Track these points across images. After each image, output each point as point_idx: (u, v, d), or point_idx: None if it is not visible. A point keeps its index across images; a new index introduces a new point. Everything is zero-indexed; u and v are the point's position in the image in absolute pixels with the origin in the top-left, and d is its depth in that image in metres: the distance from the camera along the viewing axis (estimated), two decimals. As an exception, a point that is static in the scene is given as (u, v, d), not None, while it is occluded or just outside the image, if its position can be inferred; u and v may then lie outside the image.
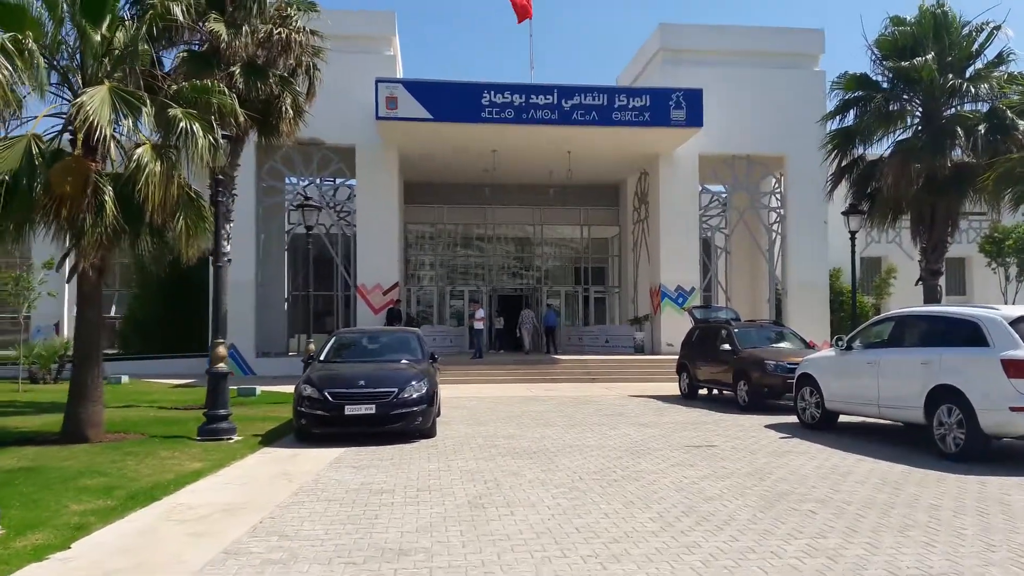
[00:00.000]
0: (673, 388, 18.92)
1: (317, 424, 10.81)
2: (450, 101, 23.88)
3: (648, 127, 24.57)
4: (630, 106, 24.26)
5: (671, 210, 27.28)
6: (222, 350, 11.44)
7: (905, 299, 32.95)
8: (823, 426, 12.39)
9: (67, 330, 31.66)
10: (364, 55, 25.77)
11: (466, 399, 17.74)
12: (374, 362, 12.20)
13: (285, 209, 29.46)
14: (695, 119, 24.67)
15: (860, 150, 20.26)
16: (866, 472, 8.89)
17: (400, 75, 27.66)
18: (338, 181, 29.84)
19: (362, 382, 10.96)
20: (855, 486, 8.07)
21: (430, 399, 11.16)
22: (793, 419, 13.25)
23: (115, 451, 10.36)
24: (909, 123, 19.75)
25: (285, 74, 16.49)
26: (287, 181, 29.63)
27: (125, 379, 22.92)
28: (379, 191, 26.46)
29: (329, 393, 10.73)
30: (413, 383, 11.09)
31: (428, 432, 11.31)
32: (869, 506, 7.15)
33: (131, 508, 7.25)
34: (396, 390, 10.86)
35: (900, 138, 19.81)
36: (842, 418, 12.61)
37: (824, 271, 28.16)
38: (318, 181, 28.84)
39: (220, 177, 11.40)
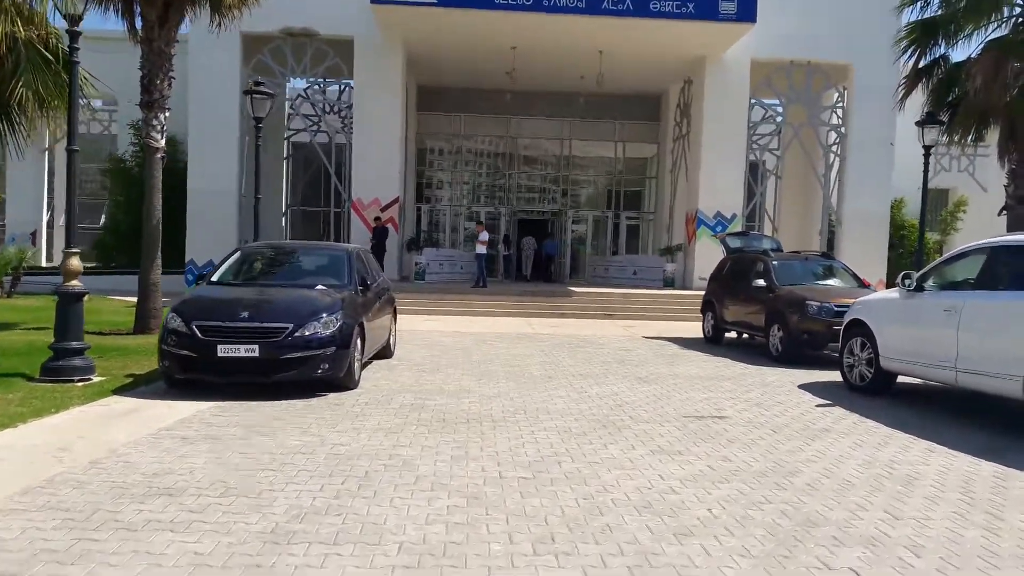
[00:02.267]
0: (699, 328, 15.92)
1: (182, 368, 8.10)
2: (457, -17, 20.51)
3: (692, 20, 20.90)
4: (671, -6, 20.64)
5: (716, 124, 23.75)
6: (75, 263, 8.71)
7: (975, 236, 29.13)
8: (875, 390, 9.36)
9: (45, 239, 29.75)
10: (365, -71, 22.36)
11: (447, 335, 15.01)
12: (279, 287, 9.36)
13: (283, 113, 26.56)
14: (747, 13, 20.95)
15: (942, 48, 16.53)
16: (939, 474, 5.94)
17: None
18: (343, 82, 26.68)
19: (245, 314, 8.15)
20: (926, 506, 5.13)
21: (345, 340, 8.36)
22: (836, 377, 10.25)
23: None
24: (1007, 15, 15.93)
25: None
26: (290, 82, 26.72)
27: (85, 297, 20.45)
28: (379, 90, 23.38)
29: (198, 327, 7.95)
30: (323, 316, 8.28)
31: (343, 382, 8.54)
32: (954, 558, 4.22)
33: None
34: (291, 326, 8.06)
35: (993, 36, 16.02)
36: (901, 378, 9.55)
37: (886, 200, 24.55)
38: (319, 80, 25.79)
39: (76, 30, 8.43)
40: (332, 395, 8.37)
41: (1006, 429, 7.67)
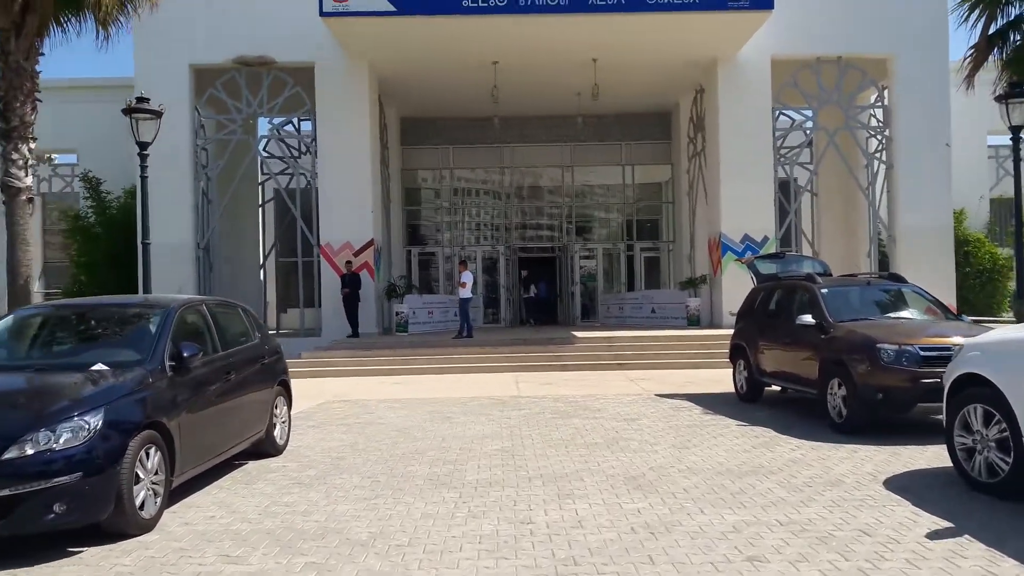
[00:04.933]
0: (731, 377, 12.19)
1: None
2: (419, -14, 17.37)
3: (697, 12, 17.52)
4: (670, -17, 17.31)
5: (735, 134, 20.22)
6: None
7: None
8: (1019, 490, 5.68)
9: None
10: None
11: (400, 405, 11.53)
12: (33, 370, 5.88)
13: (255, 154, 23.39)
14: (762, 0, 17.59)
15: (1018, 7, 13.00)
16: None
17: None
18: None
19: (-72, 425, 4.81)
20: None
21: (108, 456, 4.94)
22: (941, 459, 6.60)
23: None
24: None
25: None
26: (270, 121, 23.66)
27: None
28: (346, 121, 20.22)
29: None
30: (68, 419, 4.88)
31: (113, 527, 5.10)
32: None
33: None
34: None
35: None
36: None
37: (947, 210, 20.70)
38: (291, 119, 22.74)
39: None
40: (89, 552, 4.91)
41: None
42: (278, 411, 7.98)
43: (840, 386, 8.70)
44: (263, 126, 24.38)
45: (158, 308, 6.56)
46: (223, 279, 22.89)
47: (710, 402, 11.11)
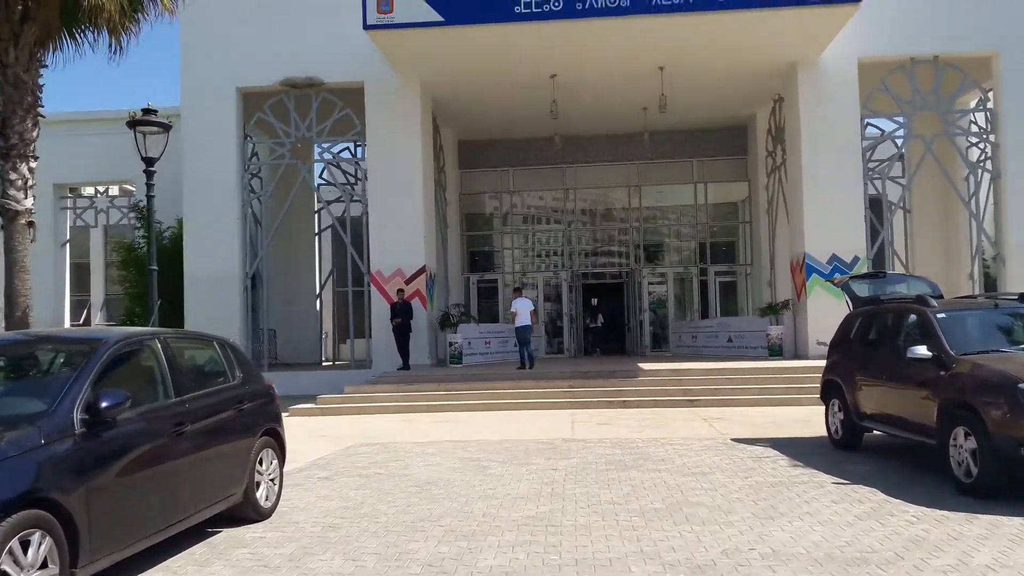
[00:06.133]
0: (821, 416, 10.35)
1: None
2: (469, -7, 16.17)
3: (774, 8, 15.84)
4: (744, -22, 15.71)
5: (819, 144, 18.31)
6: None
7: None
8: None
9: None
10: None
11: (435, 449, 10.09)
12: None
13: (311, 183, 22.33)
14: (849, -9, 15.83)
15: None
16: None
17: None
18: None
19: None
20: None
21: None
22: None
23: None
24: None
25: None
26: (319, 145, 22.77)
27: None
28: (397, 143, 19.10)
29: None
30: None
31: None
32: None
33: None
34: None
35: None
36: None
37: (1063, 224, 18.38)
38: (349, 144, 21.93)
39: None
40: None
41: None
42: (263, 467, 6.57)
43: (967, 436, 6.86)
44: (317, 153, 23.46)
45: (79, 346, 5.22)
46: (277, 309, 22.11)
47: (798, 449, 9.32)
